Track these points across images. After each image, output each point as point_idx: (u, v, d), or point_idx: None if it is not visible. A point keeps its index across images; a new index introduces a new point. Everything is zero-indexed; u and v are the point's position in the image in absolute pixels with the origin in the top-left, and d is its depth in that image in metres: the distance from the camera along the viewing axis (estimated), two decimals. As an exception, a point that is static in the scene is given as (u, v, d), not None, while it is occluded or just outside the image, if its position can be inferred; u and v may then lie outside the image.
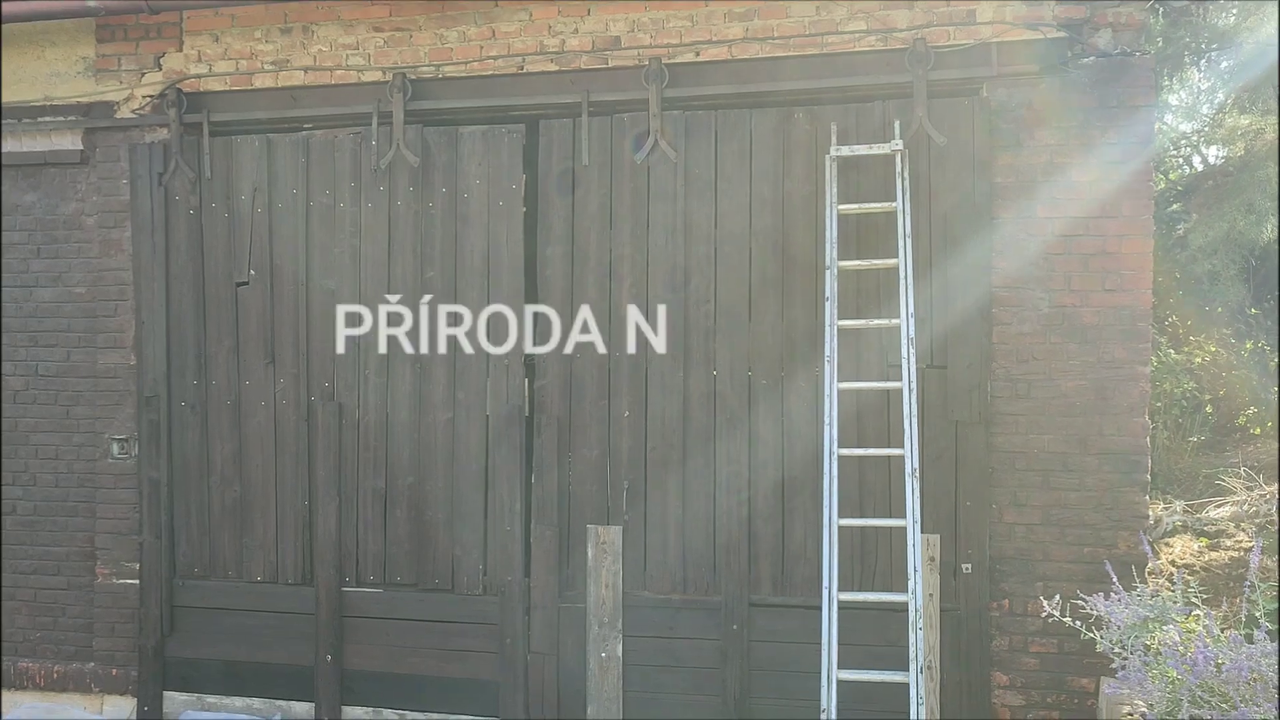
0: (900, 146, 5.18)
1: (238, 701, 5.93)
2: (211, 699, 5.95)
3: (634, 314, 5.56)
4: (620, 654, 5.51)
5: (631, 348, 5.55)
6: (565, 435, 5.63)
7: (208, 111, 5.93)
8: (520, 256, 5.70)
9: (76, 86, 6.11)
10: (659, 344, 5.53)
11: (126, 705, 6.05)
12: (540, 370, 5.67)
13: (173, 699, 6.01)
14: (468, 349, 5.73)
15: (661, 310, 5.53)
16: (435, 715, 5.72)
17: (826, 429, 4.99)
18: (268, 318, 5.92)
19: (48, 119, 6.10)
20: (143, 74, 6.03)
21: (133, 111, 6.05)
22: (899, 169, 5.17)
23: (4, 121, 6.16)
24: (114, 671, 6.07)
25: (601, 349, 5.58)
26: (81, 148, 6.09)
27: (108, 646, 6.09)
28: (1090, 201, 5.11)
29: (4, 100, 6.18)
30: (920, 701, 4.42)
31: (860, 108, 5.37)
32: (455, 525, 5.74)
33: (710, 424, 5.48)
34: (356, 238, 5.84)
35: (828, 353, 5.06)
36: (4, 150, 6.18)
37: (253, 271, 5.94)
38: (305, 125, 5.94)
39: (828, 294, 5.13)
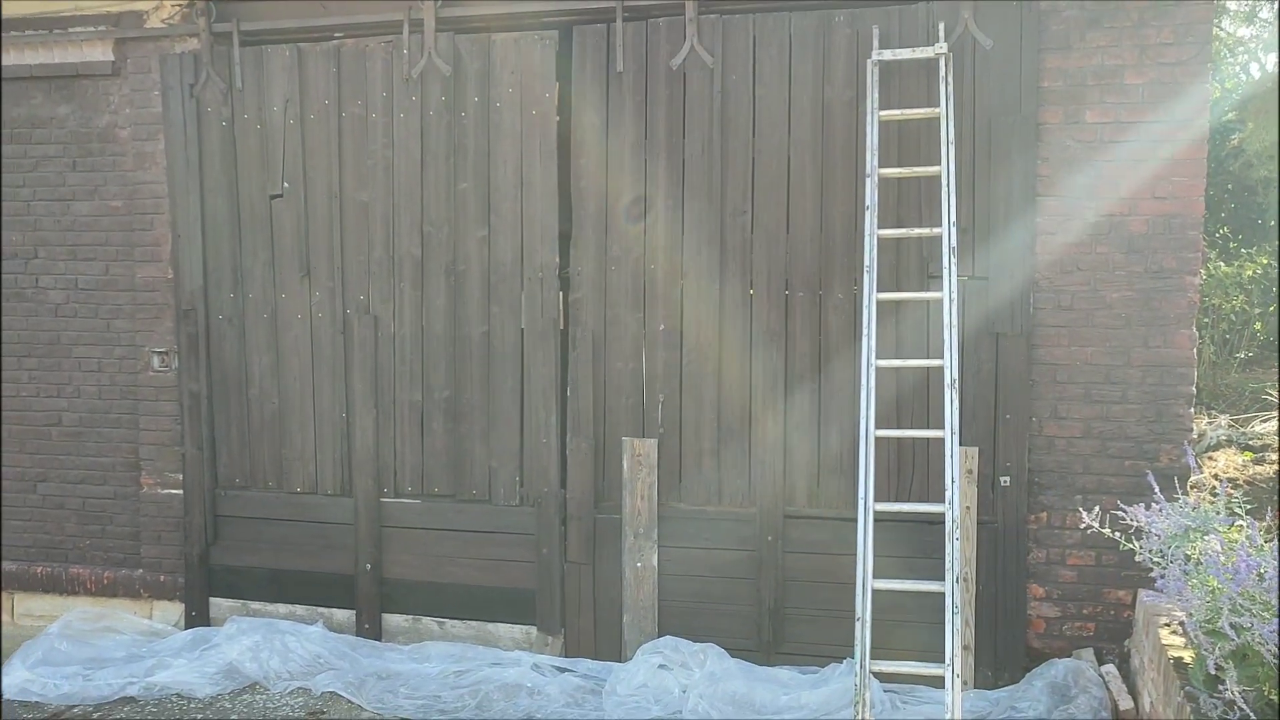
0: (945, 50, 5.02)
1: (281, 608, 6.06)
2: (256, 605, 6.09)
3: (668, 225, 5.48)
4: (655, 564, 5.55)
5: (665, 260, 5.49)
6: (600, 348, 5.60)
7: (237, 20, 5.85)
8: (554, 167, 5.62)
9: (106, -5, 6.05)
10: (694, 256, 5.46)
11: (174, 611, 6.21)
12: (574, 283, 5.63)
13: (218, 605, 6.15)
14: (501, 262, 5.69)
15: (697, 221, 5.45)
16: (473, 623, 5.82)
17: (864, 340, 4.92)
18: (302, 230, 5.91)
19: (78, 29, 6.05)
20: (171, -18, 5.95)
21: (162, 21, 5.98)
22: (943, 73, 5.01)
23: (34, 32, 6.10)
24: (162, 578, 6.22)
25: (636, 262, 5.53)
26: (113, 58, 6.05)
27: (155, 554, 6.23)
28: (1142, 105, 4.94)
29: (32, 10, 6.12)
30: (956, 611, 4.42)
31: (903, 10, 5.19)
32: (491, 437, 5.77)
33: (746, 336, 5.43)
34: (389, 148, 5.78)
35: (867, 263, 4.97)
36: (36, 61, 6.14)
37: (286, 184, 5.91)
38: (336, 34, 5.85)
39: (868, 202, 5.02)
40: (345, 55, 5.80)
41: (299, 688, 5.41)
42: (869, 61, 5.12)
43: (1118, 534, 4.40)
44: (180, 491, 6.15)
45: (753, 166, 5.39)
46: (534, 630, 5.74)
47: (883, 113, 5.10)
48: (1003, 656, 5.18)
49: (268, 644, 5.58)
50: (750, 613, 5.48)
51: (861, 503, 4.70)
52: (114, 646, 5.86)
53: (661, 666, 5.24)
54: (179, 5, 5.95)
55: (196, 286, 6.04)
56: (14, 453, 6.40)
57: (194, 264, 6.03)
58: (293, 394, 6.00)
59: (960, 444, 4.97)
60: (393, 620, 5.93)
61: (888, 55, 5.10)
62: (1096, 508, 4.64)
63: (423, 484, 5.87)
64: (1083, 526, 4.49)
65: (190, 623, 6.14)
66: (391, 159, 5.78)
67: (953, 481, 4.60)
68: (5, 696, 5.30)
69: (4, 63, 6.18)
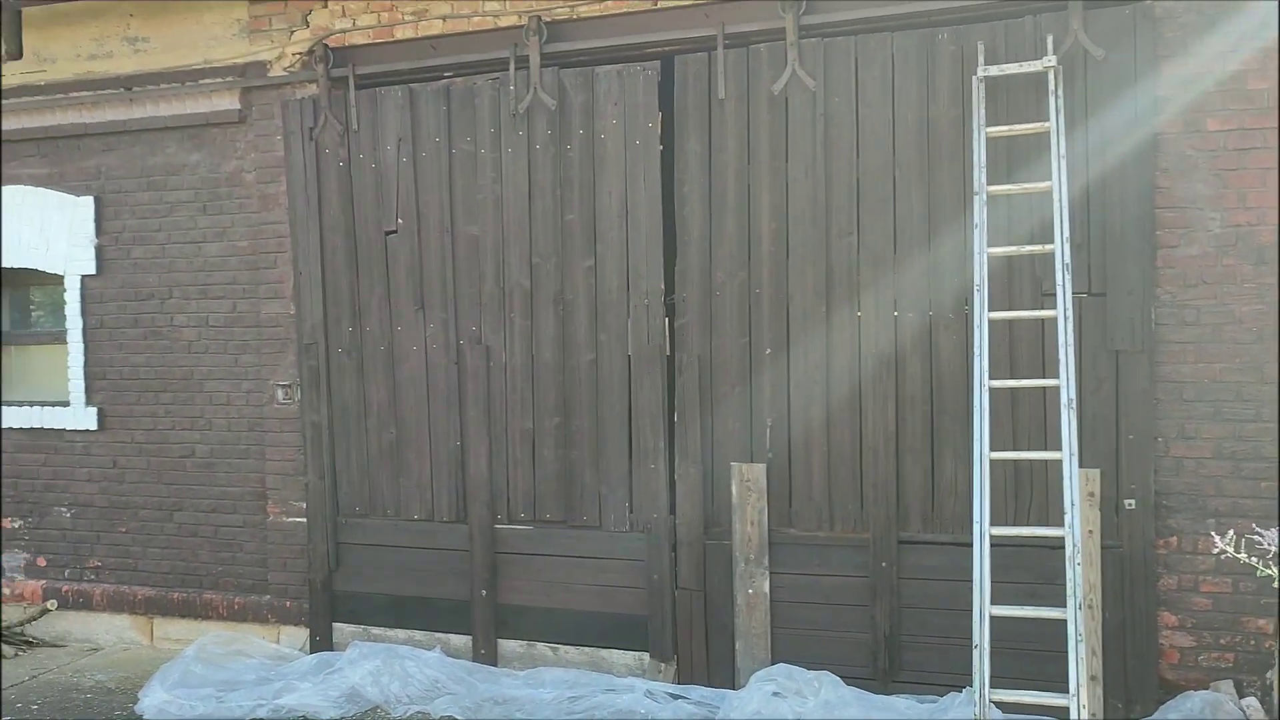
0: (1054, 63, 4.90)
1: (400, 633, 6.20)
2: (376, 630, 6.25)
3: (773, 249, 5.47)
4: (767, 590, 5.51)
5: (771, 284, 5.48)
6: (706, 373, 5.61)
7: (353, 65, 6.09)
8: (658, 195, 5.68)
9: (232, 48, 6.37)
10: (799, 280, 5.43)
11: (300, 635, 6.42)
12: (680, 309, 5.66)
13: (341, 630, 6.33)
14: (608, 290, 5.76)
15: (802, 244, 5.43)
16: (587, 649, 5.85)
17: (976, 361, 4.82)
18: (416, 264, 6.09)
19: (208, 80, 6.39)
20: (292, 32, 6.23)
21: (284, 69, 6.27)
22: (1053, 87, 4.90)
23: (168, 85, 6.47)
24: (288, 604, 6.44)
25: (741, 286, 5.53)
26: (239, 107, 6.36)
27: (281, 580, 6.45)
28: (1267, 110, 4.73)
29: (167, 65, 6.49)
30: (1080, 639, 4.27)
31: (1009, 24, 5.10)
32: (601, 464, 5.83)
33: (854, 359, 5.37)
34: (498, 183, 5.92)
35: (977, 281, 4.87)
36: (170, 113, 6.50)
37: (400, 220, 6.11)
38: (445, 74, 6.04)
39: (976, 221, 4.93)
40: (454, 94, 5.98)
41: (418, 712, 5.52)
42: (974, 78, 5.04)
43: (1254, 559, 4.18)
44: (304, 520, 6.37)
45: (858, 188, 5.35)
46: (646, 657, 5.75)
47: (990, 129, 5.01)
48: (1134, 688, 4.97)
49: (388, 668, 5.71)
50: (865, 640, 5.38)
51: (977, 527, 4.58)
52: (244, 669, 6.08)
53: (775, 694, 5.19)
54: (299, 54, 6.23)
55: (317, 321, 6.27)
56: (152, 483, 6.73)
57: (314, 300, 6.27)
58: (409, 423, 6.16)
59: (1080, 465, 4.80)
60: (508, 645, 6.01)
61: (994, 71, 5.01)
62: (1230, 532, 4.41)
63: (535, 510, 5.95)
64: (1215, 551, 4.29)
65: (315, 647, 6.33)
66: (500, 193, 5.92)
67: (1073, 505, 4.45)
68: (146, 716, 5.55)
69: (142, 114, 6.55)
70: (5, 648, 6.61)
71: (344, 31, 6.12)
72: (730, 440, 5.59)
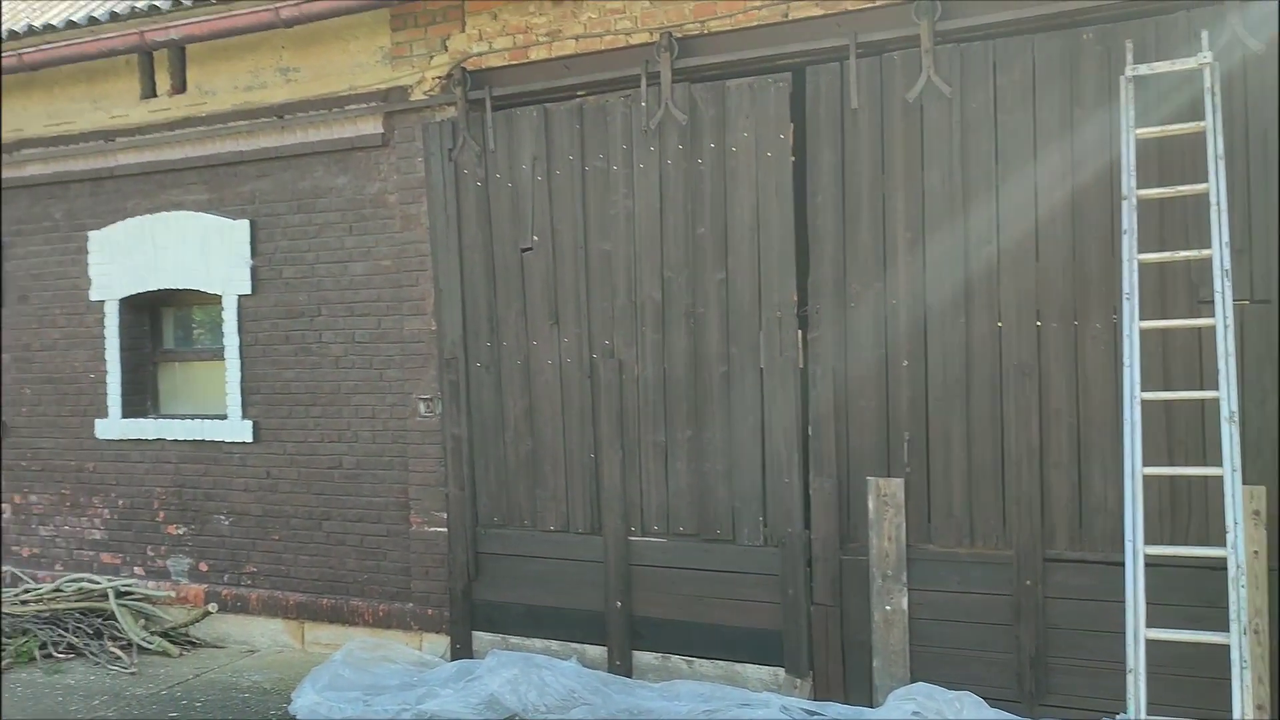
0: (1209, 59, 4.67)
1: (537, 643, 6.31)
2: (514, 639, 6.37)
3: (909, 259, 5.37)
4: (906, 608, 5.39)
5: (908, 295, 5.38)
6: (841, 386, 5.54)
7: (489, 87, 6.26)
8: (790, 207, 5.65)
9: (376, 74, 6.62)
10: (937, 290, 5.32)
11: (441, 643, 6.59)
12: (813, 321, 5.61)
13: (480, 638, 6.48)
14: (740, 303, 5.75)
15: (938, 255, 5.31)
16: (721, 662, 5.84)
17: (1127, 372, 4.62)
18: (551, 280, 6.21)
19: (353, 106, 6.66)
20: (431, 57, 6.45)
21: (424, 93, 6.49)
22: (1208, 84, 4.67)
23: (317, 112, 6.77)
24: (430, 611, 6.62)
25: (876, 298, 5.44)
26: (382, 131, 6.61)
27: (423, 589, 6.65)
28: None
29: (316, 92, 6.79)
30: (1244, 665, 4.04)
31: (1160, 21, 4.89)
32: (734, 477, 5.81)
33: (995, 371, 5.22)
34: (630, 198, 5.99)
35: (1126, 290, 4.68)
36: (318, 138, 6.80)
37: (535, 237, 6.24)
38: (578, 92, 6.14)
39: (1125, 226, 4.73)
40: (587, 112, 6.07)
41: (555, 720, 5.61)
42: (1122, 78, 4.85)
43: None
44: (445, 530, 6.55)
45: (997, 195, 5.20)
46: (781, 672, 5.70)
47: (1139, 131, 4.80)
48: (1304, 719, 4.67)
49: (525, 677, 5.81)
50: (1009, 661, 5.21)
51: (1129, 545, 4.39)
52: (389, 675, 6.28)
53: (915, 713, 5.07)
54: (438, 78, 6.43)
55: (457, 336, 6.45)
56: (302, 493, 7.03)
57: (454, 316, 6.45)
58: (545, 436, 6.27)
59: (1244, 482, 4.55)
60: (643, 657, 6.04)
61: (1143, 70, 4.81)
62: None
63: (668, 523, 5.98)
64: (1397, 575, 4.00)
65: (455, 654, 6.50)
66: (632, 208, 5.98)
67: (1236, 523, 4.22)
68: (298, 717, 5.79)
69: (293, 141, 6.87)
70: (172, 647, 6.99)
71: (481, 54, 6.30)
72: (866, 454, 5.50)
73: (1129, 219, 4.73)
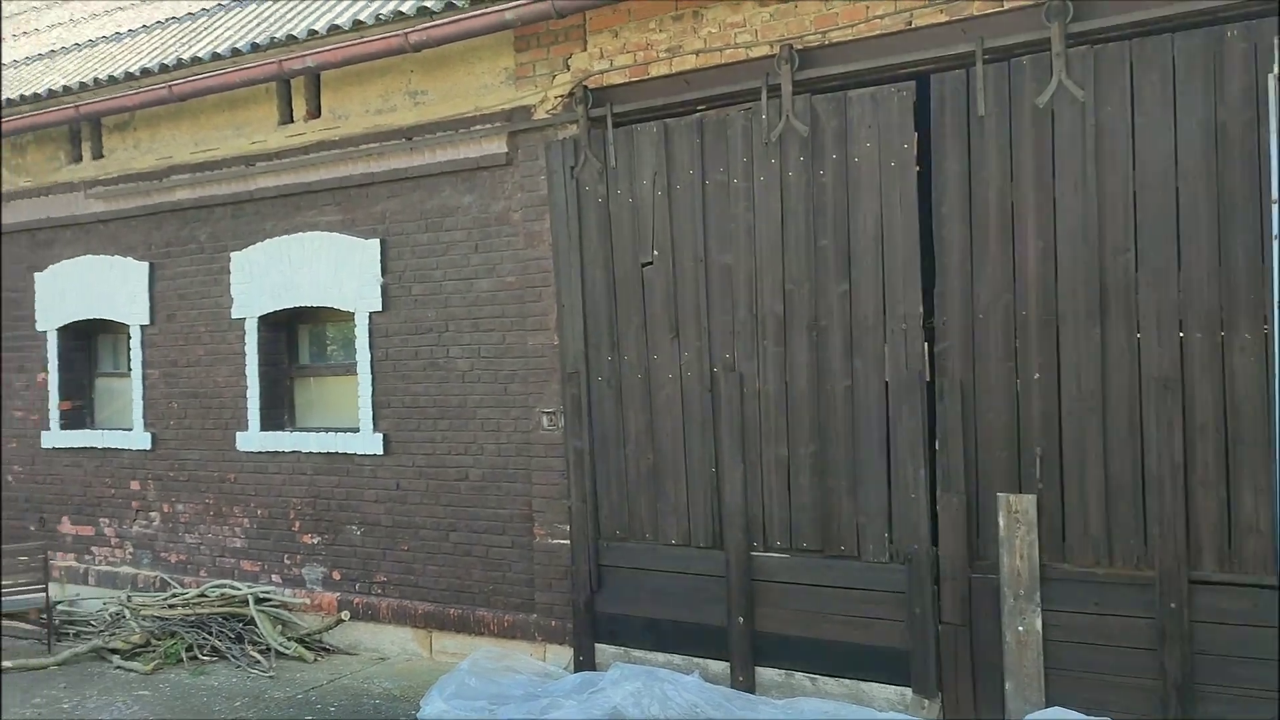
0: (1367, 52, 4.42)
1: (659, 656, 6.32)
2: (637, 653, 6.39)
3: (1040, 269, 5.22)
4: (1040, 629, 5.21)
5: (1039, 306, 5.22)
6: (969, 400, 5.41)
7: (610, 104, 6.33)
8: (915, 218, 5.55)
9: (500, 95, 6.78)
10: (1070, 300, 5.14)
11: (564, 654, 6.66)
12: (940, 333, 5.49)
13: (603, 650, 6.52)
14: (863, 315, 5.67)
15: (1071, 263, 5.14)
16: (846, 681, 5.74)
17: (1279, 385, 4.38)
18: (671, 294, 6.23)
19: (478, 127, 6.83)
20: (554, 76, 6.56)
21: (547, 112, 6.60)
22: (1366, 79, 4.41)
23: (444, 133, 6.96)
24: (553, 623, 6.70)
25: (1005, 308, 5.30)
26: (506, 150, 6.75)
27: (547, 600, 6.73)
28: None
29: (443, 114, 6.99)
30: None
31: (1311, 14, 4.64)
32: (858, 492, 5.72)
33: (1133, 383, 5.02)
34: (750, 211, 5.97)
35: (1278, 298, 4.44)
36: (445, 159, 6.99)
37: (656, 251, 6.28)
38: (698, 107, 6.17)
39: (1275, 231, 4.50)
40: (707, 126, 6.09)
41: (678, 735, 5.60)
42: (1271, 76, 4.63)
43: None
44: (567, 542, 6.62)
45: (1134, 201, 5.01)
46: (909, 692, 5.57)
47: (1290, 130, 4.57)
48: None
49: (648, 691, 5.82)
50: (1153, 687, 4.98)
51: (1285, 568, 4.16)
52: (513, 685, 6.37)
53: (1050, 740, 4.90)
54: (560, 97, 6.54)
55: (579, 351, 6.53)
56: (430, 504, 7.20)
57: (576, 330, 6.53)
58: (666, 450, 6.29)
59: None
60: (766, 674, 5.99)
61: (1293, 66, 4.58)
62: None
63: (791, 539, 5.92)
64: None
65: (578, 666, 6.55)
66: (753, 221, 5.97)
67: (1404, 546, 3.95)
68: (426, 724, 5.94)
69: (421, 162, 7.08)
70: (307, 652, 7.24)
71: (602, 72, 6.38)
72: (996, 469, 5.35)
73: (1279, 223, 4.49)
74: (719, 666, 6.12)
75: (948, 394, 5.45)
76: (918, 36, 5.48)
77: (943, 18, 5.40)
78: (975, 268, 5.38)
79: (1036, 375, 5.23)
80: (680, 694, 5.80)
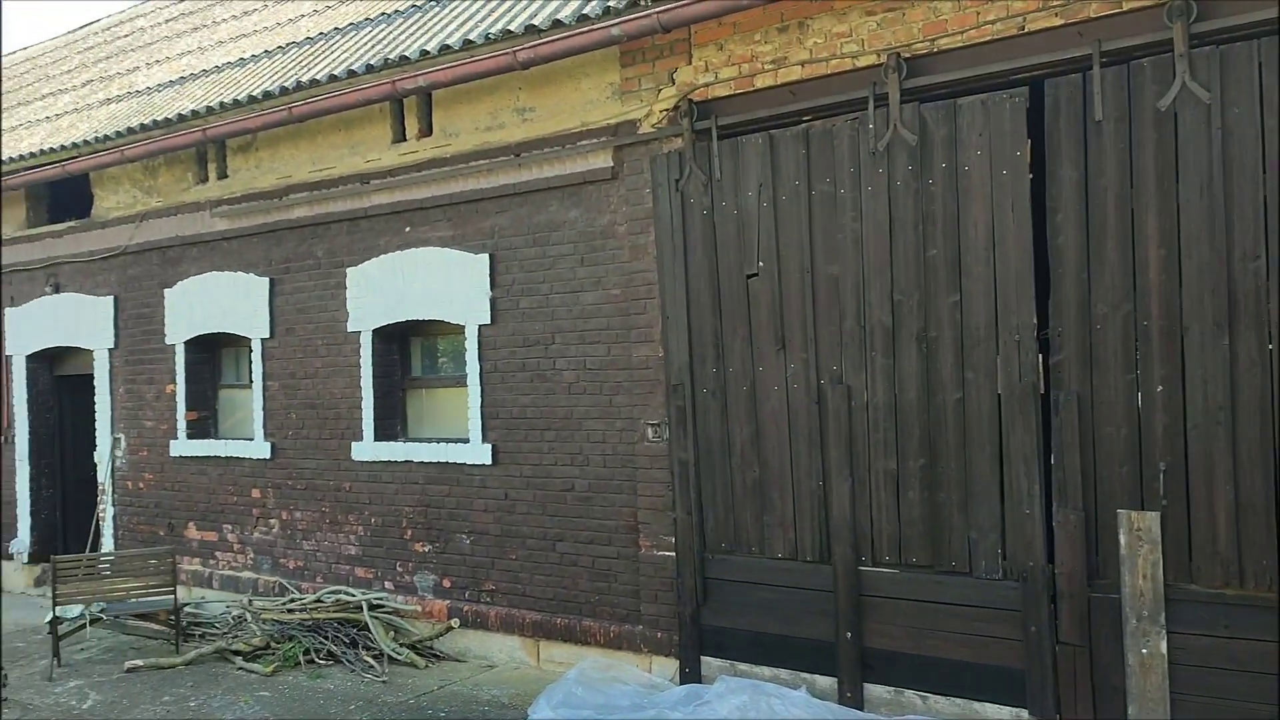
0: None
1: (765, 670, 6.27)
2: (743, 666, 6.35)
3: (1162, 277, 5.03)
4: (1165, 651, 5.01)
5: (1161, 315, 5.04)
6: (1087, 413, 5.24)
7: (715, 116, 6.35)
8: (1027, 225, 5.41)
9: (606, 110, 6.85)
10: (1195, 309, 4.95)
11: (670, 666, 6.66)
12: (1055, 344, 5.34)
13: (708, 663, 6.50)
14: (974, 326, 5.55)
15: (1195, 272, 4.95)
16: (958, 700, 5.61)
17: None
18: (776, 306, 6.20)
19: (584, 142, 6.91)
20: (659, 90, 6.61)
21: (652, 126, 6.65)
22: None
23: (551, 149, 7.07)
24: (658, 635, 6.71)
25: (1125, 318, 5.13)
26: (612, 164, 6.82)
27: (652, 612, 6.75)
28: None
29: (549, 130, 7.11)
30: None
31: None
32: (970, 507, 5.60)
33: (1265, 395, 4.80)
34: (857, 221, 5.91)
35: None
36: (552, 174, 7.10)
37: (761, 263, 6.26)
38: (804, 118, 6.13)
39: None
40: (813, 136, 6.05)
41: (785, 750, 5.55)
42: None
43: None
44: (672, 554, 6.63)
45: (1264, 206, 4.81)
46: (1024, 714, 5.42)
47: None
48: None
49: (754, 705, 5.79)
50: (1287, 716, 4.75)
51: None
52: (619, 695, 6.40)
53: (1176, 768, 4.70)
54: (665, 110, 6.58)
55: (683, 363, 6.55)
56: (538, 514, 7.30)
57: (680, 342, 6.55)
58: (772, 462, 6.25)
59: None
60: (874, 691, 5.89)
61: None
62: None
63: (900, 553, 5.82)
64: None
65: (684, 679, 6.55)
66: (860, 231, 5.90)
67: None
68: (533, 731, 6.01)
69: (528, 177, 7.20)
70: (418, 658, 7.40)
71: (706, 85, 6.40)
72: (1116, 485, 5.18)
73: None
74: (826, 682, 6.05)
75: (1064, 407, 5.29)
76: (1031, 41, 5.36)
77: (1057, 21, 5.27)
78: (1092, 276, 5.22)
79: (1159, 387, 5.05)
80: (787, 709, 5.75)
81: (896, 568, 5.84)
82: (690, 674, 6.53)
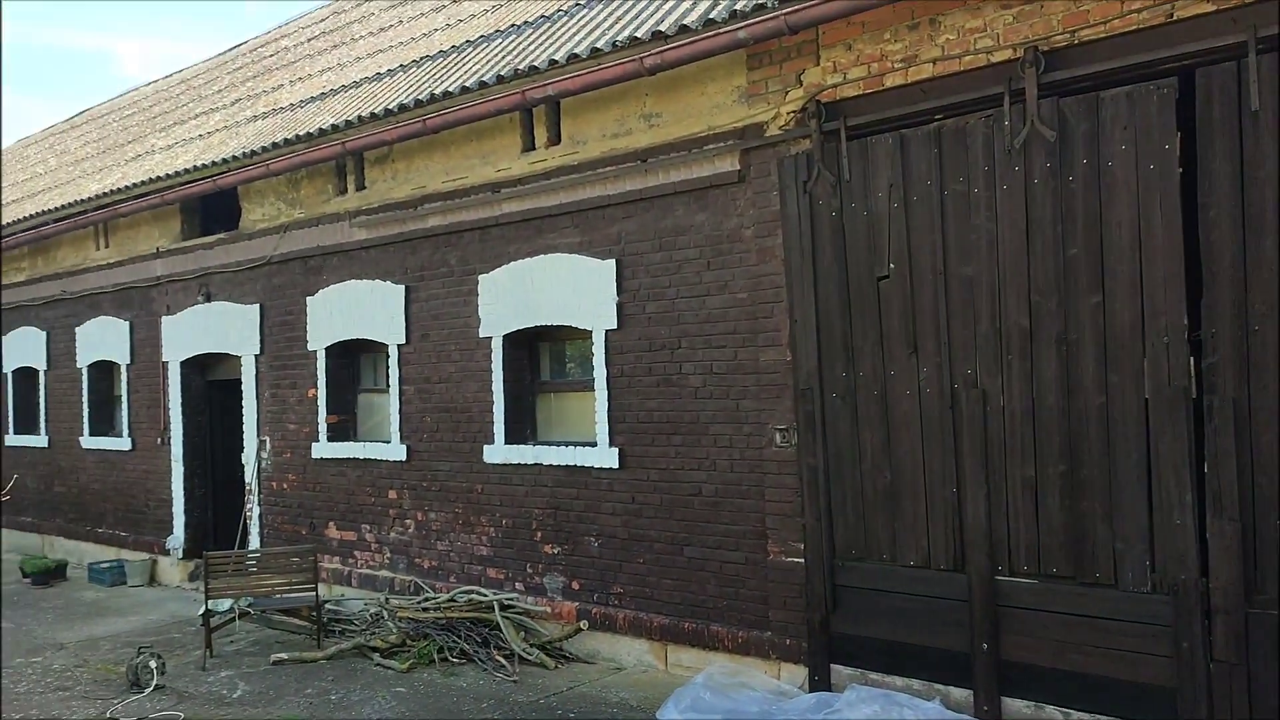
0: None
1: (897, 680, 6.14)
2: (874, 675, 6.24)
3: (1329, 275, 4.74)
4: (1330, 673, 4.72)
5: (1327, 314, 4.74)
6: (1244, 418, 4.97)
7: (844, 117, 6.26)
8: (1177, 223, 5.17)
9: (732, 114, 6.84)
10: (1366, 308, 4.65)
11: (798, 673, 6.58)
12: (1208, 346, 5.08)
13: (838, 672, 6.40)
14: (1118, 328, 5.33)
15: (1367, 267, 4.64)
16: (1103, 717, 5.38)
17: None
18: (908, 308, 6.08)
19: (711, 146, 6.91)
20: (786, 92, 6.56)
21: (779, 128, 6.61)
22: None
23: (677, 154, 7.09)
24: (787, 641, 6.64)
25: (1286, 318, 4.85)
26: (738, 168, 6.80)
27: (781, 618, 6.68)
28: None
29: (676, 135, 7.13)
30: None
31: None
32: (1115, 517, 5.37)
33: None
34: (992, 221, 5.75)
35: None
36: (678, 179, 7.12)
37: (892, 265, 6.14)
38: (935, 116, 6.00)
39: None
40: (945, 135, 5.91)
41: (918, 763, 5.42)
42: None
43: None
44: (801, 560, 6.55)
45: None
46: (1175, 734, 5.17)
47: None
48: None
49: (886, 715, 5.68)
50: None
51: None
52: (747, 701, 6.35)
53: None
54: (793, 112, 6.53)
55: (811, 367, 6.47)
56: (665, 519, 7.32)
57: (809, 346, 6.48)
58: (903, 468, 6.13)
59: None
60: (1013, 705, 5.71)
61: None
62: None
63: (1039, 563, 5.62)
64: None
65: (813, 686, 6.46)
66: (995, 231, 5.74)
67: None
68: (662, 735, 6.02)
69: (655, 183, 7.24)
70: (548, 659, 7.51)
71: (835, 86, 6.33)
72: (1276, 495, 4.89)
73: None
74: (961, 694, 5.88)
75: (1218, 412, 5.03)
76: (1180, 29, 5.13)
77: (1209, 7, 5.03)
78: (1249, 275, 4.96)
79: (1324, 392, 4.76)
80: (920, 721, 5.62)
81: (1035, 578, 5.64)
82: (819, 681, 6.44)
